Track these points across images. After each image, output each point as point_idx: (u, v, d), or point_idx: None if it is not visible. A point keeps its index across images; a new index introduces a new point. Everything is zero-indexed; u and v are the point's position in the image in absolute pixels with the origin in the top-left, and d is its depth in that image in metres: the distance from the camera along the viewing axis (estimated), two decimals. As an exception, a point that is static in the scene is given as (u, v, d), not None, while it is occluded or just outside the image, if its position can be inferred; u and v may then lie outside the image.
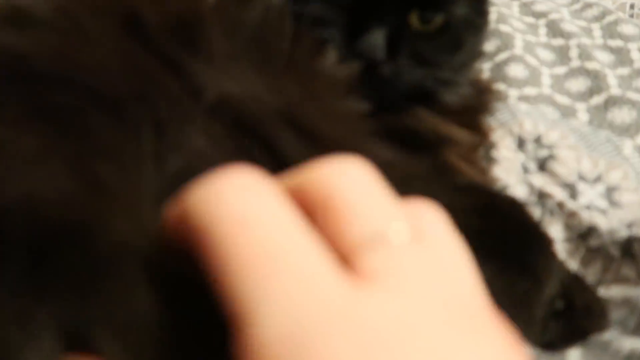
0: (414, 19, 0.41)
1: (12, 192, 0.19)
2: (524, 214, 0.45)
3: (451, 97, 0.48)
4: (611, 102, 0.61)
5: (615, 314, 0.45)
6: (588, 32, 0.74)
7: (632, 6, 0.96)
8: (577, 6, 0.83)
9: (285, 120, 0.29)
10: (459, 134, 0.49)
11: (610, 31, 0.73)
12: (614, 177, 0.54)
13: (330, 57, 0.38)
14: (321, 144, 0.30)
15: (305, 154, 0.28)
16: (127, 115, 0.24)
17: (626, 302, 0.45)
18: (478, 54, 0.49)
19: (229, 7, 0.35)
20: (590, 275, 0.50)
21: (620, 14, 0.78)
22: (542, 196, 0.53)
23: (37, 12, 0.29)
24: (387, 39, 0.39)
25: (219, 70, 0.29)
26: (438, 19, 0.41)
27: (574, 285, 0.45)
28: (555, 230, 0.52)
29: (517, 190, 0.54)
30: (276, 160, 0.27)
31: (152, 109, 0.25)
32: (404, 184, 0.35)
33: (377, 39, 0.38)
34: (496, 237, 0.41)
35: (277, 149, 0.27)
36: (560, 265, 0.45)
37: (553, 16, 0.77)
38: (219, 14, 0.33)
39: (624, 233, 0.48)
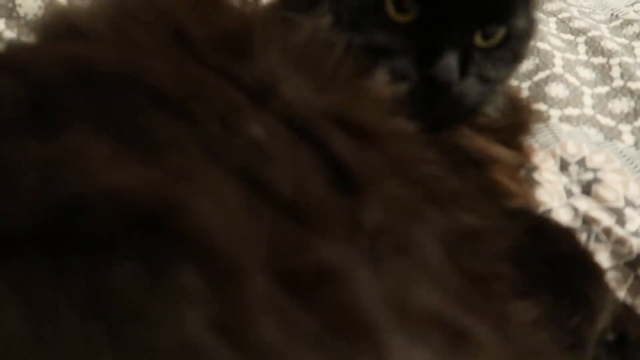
0: (478, 38, 0.41)
1: (99, 186, 0.20)
2: (575, 241, 0.44)
3: (491, 111, 0.48)
4: (656, 124, 0.60)
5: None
6: (630, 50, 0.73)
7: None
8: (616, 23, 0.81)
9: (334, 119, 0.30)
10: (503, 152, 0.48)
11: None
12: (663, 203, 0.53)
13: (379, 78, 0.38)
14: (372, 139, 0.31)
15: (357, 148, 0.29)
16: (188, 111, 0.26)
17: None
18: None
19: (276, 27, 0.36)
20: (639, 305, 0.48)
21: (663, 32, 0.76)
22: (587, 221, 0.52)
23: (90, 27, 0.30)
24: (459, 61, 0.39)
25: (267, 74, 0.31)
26: (499, 34, 0.41)
27: (626, 317, 0.44)
28: (602, 258, 0.50)
29: (561, 214, 0.53)
30: (326, 155, 0.28)
31: (210, 105, 0.27)
32: (453, 199, 0.35)
33: (450, 62, 0.39)
34: (550, 265, 0.40)
35: (327, 145, 0.29)
36: (612, 294, 0.43)
37: (592, 33, 0.75)
38: (266, 32, 0.34)
39: (677, 263, 0.47)
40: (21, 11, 0.58)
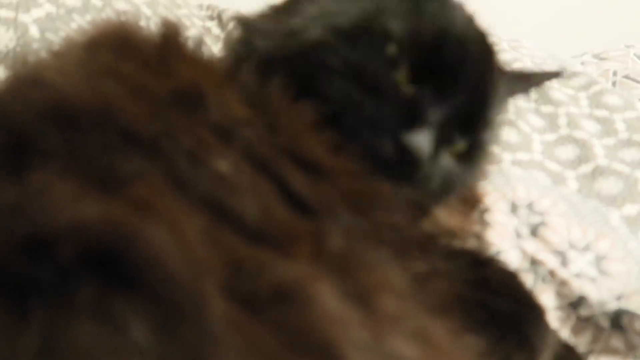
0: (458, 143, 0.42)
1: (60, 220, 0.22)
2: (518, 284, 0.47)
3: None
4: (598, 172, 0.64)
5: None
6: (575, 100, 0.78)
7: (614, 73, 1.01)
8: (564, 74, 0.87)
9: (289, 155, 0.33)
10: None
11: (596, 101, 0.77)
12: (603, 246, 0.56)
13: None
14: (324, 173, 0.33)
15: (311, 181, 0.32)
16: (157, 147, 0.28)
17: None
18: None
19: (231, 77, 0.39)
20: (581, 344, 0.51)
21: (605, 85, 0.82)
22: (534, 263, 0.55)
23: (62, 81, 0.31)
24: (435, 144, 0.39)
25: (228, 117, 0.33)
26: (463, 145, 0.42)
27: (565, 355, 0.47)
28: (547, 298, 0.53)
29: (510, 255, 0.56)
30: (284, 188, 0.31)
31: (179, 141, 0.29)
32: (404, 249, 0.37)
33: (428, 139, 0.38)
34: (493, 309, 0.42)
35: (285, 178, 0.32)
36: (554, 334, 0.46)
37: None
38: (221, 82, 0.37)
39: (613, 305, 0.50)
40: (-9, 43, 0.59)
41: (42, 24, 0.62)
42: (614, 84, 0.96)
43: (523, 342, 0.42)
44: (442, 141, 0.39)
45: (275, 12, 0.45)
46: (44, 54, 0.56)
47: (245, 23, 0.45)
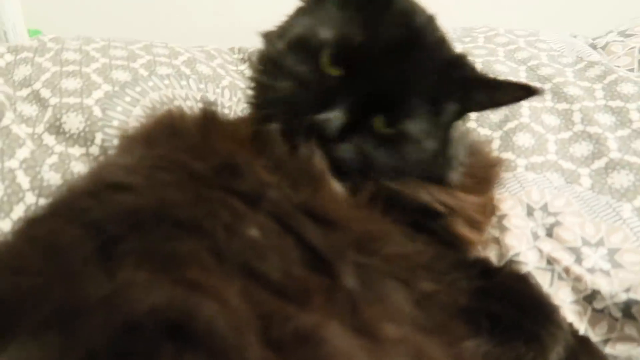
0: (376, 121, 0.51)
1: (141, 309, 0.31)
2: (528, 285, 0.52)
3: (454, 177, 0.57)
4: (611, 166, 0.68)
5: (619, 372, 0.51)
6: (590, 93, 0.81)
7: (640, 50, 1.00)
8: (581, 65, 0.89)
9: (305, 212, 0.43)
10: (465, 197, 0.57)
11: (611, 92, 0.80)
12: (615, 240, 0.60)
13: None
14: (335, 225, 0.42)
15: (324, 236, 0.40)
16: (201, 227, 0.38)
17: (629, 360, 0.51)
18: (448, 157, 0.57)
19: (257, 144, 0.49)
20: (598, 334, 0.56)
21: (621, 72, 0.83)
22: (550, 261, 0.60)
23: (130, 182, 0.41)
24: (343, 123, 0.50)
25: (257, 183, 0.44)
26: (389, 130, 0.52)
27: (579, 349, 0.51)
28: (564, 293, 0.58)
29: (528, 256, 0.61)
30: (302, 243, 0.40)
31: (217, 217, 0.39)
32: (412, 274, 0.45)
33: (332, 119, 0.49)
34: (500, 313, 0.48)
35: (302, 234, 0.41)
36: (567, 329, 0.50)
37: (557, 80, 0.84)
38: (250, 153, 0.46)
39: (623, 296, 0.54)
40: (66, 127, 0.71)
41: (102, 103, 0.74)
42: (639, 62, 0.97)
43: (532, 341, 0.47)
44: (354, 123, 0.50)
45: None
46: (109, 132, 0.68)
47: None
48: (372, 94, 0.50)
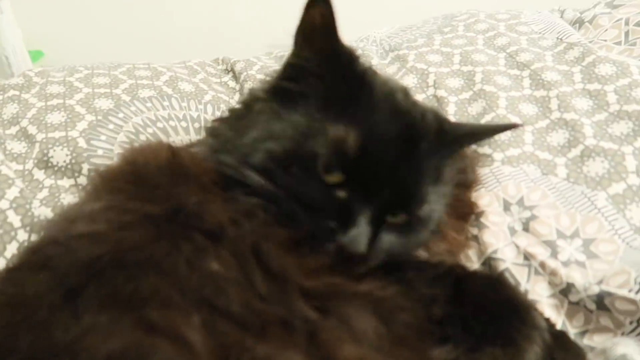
0: (399, 217, 0.49)
1: (100, 355, 0.33)
2: (501, 288, 0.53)
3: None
4: (586, 154, 0.67)
5: (594, 365, 0.52)
6: (569, 77, 0.80)
7: (627, 22, 0.98)
8: (560, 47, 0.88)
9: (255, 251, 0.43)
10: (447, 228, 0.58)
11: (589, 74, 0.78)
12: (590, 230, 0.61)
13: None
14: (282, 280, 0.43)
15: (269, 286, 0.42)
16: (163, 265, 0.40)
17: (603, 352, 0.52)
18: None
19: (215, 187, 0.49)
20: (576, 327, 0.57)
21: (600, 52, 0.82)
22: (527, 257, 0.61)
23: (91, 230, 0.44)
24: (368, 237, 0.46)
25: (218, 222, 0.45)
26: (401, 217, 0.49)
27: (556, 345, 0.52)
28: (541, 288, 0.59)
29: (506, 252, 0.62)
30: (261, 270, 0.42)
31: (179, 252, 0.41)
32: (377, 306, 0.45)
33: (361, 234, 0.46)
34: (476, 319, 0.49)
35: (253, 281, 0.42)
36: (544, 327, 0.51)
37: (536, 66, 0.83)
38: (211, 200, 0.47)
39: (596, 289, 0.55)
40: (54, 161, 0.74)
41: (87, 134, 0.77)
42: (626, 34, 0.95)
43: (507, 343, 0.47)
44: (377, 227, 0.47)
45: (234, 119, 0.55)
46: (95, 161, 0.71)
47: (212, 134, 0.56)
48: (388, 194, 0.48)
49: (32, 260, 0.44)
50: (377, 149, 0.47)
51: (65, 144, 0.75)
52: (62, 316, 0.36)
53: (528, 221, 0.63)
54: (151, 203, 0.46)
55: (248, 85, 0.97)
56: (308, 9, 0.49)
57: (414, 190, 0.49)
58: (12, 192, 0.67)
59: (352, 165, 0.47)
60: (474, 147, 0.74)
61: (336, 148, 0.47)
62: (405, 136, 0.49)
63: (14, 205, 0.66)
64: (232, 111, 0.57)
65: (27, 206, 0.67)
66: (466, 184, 0.66)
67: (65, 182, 0.74)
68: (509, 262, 0.61)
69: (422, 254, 0.55)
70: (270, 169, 0.47)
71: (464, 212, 0.64)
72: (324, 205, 0.46)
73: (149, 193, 0.47)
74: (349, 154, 0.47)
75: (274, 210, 0.46)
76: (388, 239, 0.49)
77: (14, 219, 0.65)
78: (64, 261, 0.40)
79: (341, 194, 0.47)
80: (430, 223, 0.52)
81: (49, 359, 0.34)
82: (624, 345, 0.51)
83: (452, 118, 0.80)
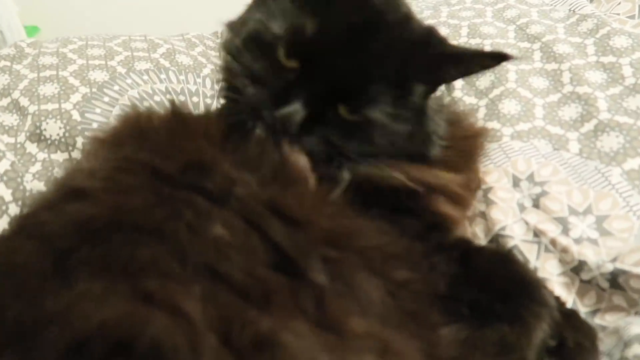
0: (341, 108, 0.50)
1: (91, 324, 0.31)
2: (510, 264, 0.51)
3: (434, 152, 0.55)
4: (600, 128, 0.65)
5: (606, 344, 0.50)
6: (582, 50, 0.77)
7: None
8: (573, 19, 0.85)
9: (272, 209, 0.42)
10: (445, 174, 0.56)
11: (603, 47, 0.75)
12: (604, 206, 0.58)
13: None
14: (301, 223, 0.42)
15: (290, 235, 0.39)
16: (163, 231, 0.37)
17: (616, 332, 0.50)
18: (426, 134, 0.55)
19: (225, 140, 0.48)
20: (587, 305, 0.55)
21: (615, 25, 0.79)
22: (537, 234, 0.59)
23: (87, 187, 0.41)
24: (303, 116, 0.48)
25: (225, 180, 0.43)
26: (353, 116, 0.50)
27: (566, 324, 0.50)
28: (551, 266, 0.57)
29: (515, 229, 0.60)
30: (268, 242, 0.40)
31: (180, 218, 0.38)
32: (385, 265, 0.44)
33: (293, 113, 0.48)
34: (484, 295, 0.47)
35: (268, 232, 0.40)
36: (553, 305, 0.49)
37: (547, 38, 0.80)
38: (218, 150, 0.45)
39: (609, 267, 0.53)
40: (47, 134, 0.72)
41: (81, 106, 0.74)
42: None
43: (515, 321, 0.46)
44: (317, 116, 0.49)
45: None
46: (87, 136, 0.68)
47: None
48: (331, 84, 0.49)
49: (24, 226, 0.42)
50: (330, 38, 0.49)
51: (58, 117, 0.72)
52: (52, 284, 0.34)
53: (538, 197, 0.61)
54: (161, 157, 0.44)
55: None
56: None
57: (360, 85, 0.49)
58: (2, 165, 0.65)
59: (305, 51, 0.49)
60: (481, 121, 0.71)
61: (294, 33, 0.49)
62: (361, 29, 0.49)
63: (4, 178, 0.64)
64: None
65: (19, 180, 0.65)
66: (466, 151, 0.62)
67: (59, 156, 0.71)
68: (517, 239, 0.59)
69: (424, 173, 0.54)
70: (240, 53, 0.51)
71: (466, 180, 0.60)
72: (271, 83, 0.50)
73: (157, 147, 0.45)
74: (305, 40, 0.49)
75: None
76: (337, 135, 0.50)
77: (5, 193, 0.63)
78: (54, 225, 0.38)
79: (290, 77, 0.49)
80: (389, 129, 0.51)
81: (38, 329, 0.32)
82: (638, 325, 0.49)
83: (459, 92, 0.78)
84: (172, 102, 0.54)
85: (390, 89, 0.50)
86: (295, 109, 0.48)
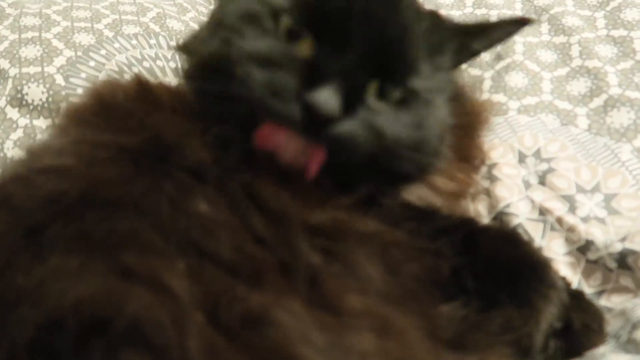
0: (372, 90, 0.42)
1: (66, 301, 0.28)
2: (516, 244, 0.48)
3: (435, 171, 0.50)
4: (610, 104, 0.62)
5: (612, 325, 0.48)
6: (591, 23, 0.74)
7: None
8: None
9: (250, 196, 0.38)
10: (447, 184, 0.53)
11: (613, 20, 0.72)
12: (613, 184, 0.56)
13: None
14: (281, 219, 0.38)
15: (268, 227, 0.36)
16: (142, 205, 0.34)
17: (623, 313, 0.48)
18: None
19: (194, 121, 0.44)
20: (592, 286, 0.53)
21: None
22: (543, 212, 0.56)
23: (59, 164, 0.38)
24: (342, 97, 0.38)
25: (200, 158, 0.39)
26: (396, 94, 0.43)
27: (573, 305, 0.48)
28: (557, 245, 0.55)
29: (520, 207, 0.58)
30: (248, 232, 0.36)
31: (161, 191, 0.35)
32: (385, 250, 0.41)
33: (331, 94, 0.38)
34: (489, 278, 0.45)
35: (249, 221, 0.36)
36: (562, 287, 0.46)
37: (555, 10, 0.77)
38: (186, 134, 0.42)
39: (618, 246, 0.51)
40: (29, 99, 0.68)
41: (65, 70, 0.70)
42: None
43: (522, 303, 0.43)
44: (354, 93, 0.39)
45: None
46: (71, 100, 0.64)
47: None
48: (364, 57, 0.41)
49: None
50: (351, 6, 0.40)
51: (41, 80, 0.68)
52: (23, 258, 0.31)
53: (545, 174, 0.59)
54: (125, 134, 0.40)
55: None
56: None
57: (398, 54, 0.41)
58: (-19, 131, 0.61)
59: (319, 23, 0.40)
60: (486, 93, 0.69)
61: (301, 3, 0.41)
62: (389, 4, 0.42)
63: (-17, 144, 0.60)
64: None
65: (-1, 146, 0.61)
66: (468, 126, 0.59)
67: (42, 122, 0.67)
68: (522, 217, 0.57)
69: (427, 193, 0.50)
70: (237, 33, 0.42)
71: (468, 155, 0.58)
72: (284, 63, 0.39)
73: (121, 123, 0.41)
74: (317, 9, 0.40)
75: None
76: (383, 116, 0.41)
77: (-16, 160, 0.59)
78: (25, 197, 0.35)
79: (304, 50, 0.40)
80: (434, 107, 0.45)
81: (8, 307, 0.29)
82: (646, 306, 0.48)
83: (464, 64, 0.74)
84: (136, 75, 0.50)
85: (427, 59, 0.45)
86: (332, 90, 0.38)
